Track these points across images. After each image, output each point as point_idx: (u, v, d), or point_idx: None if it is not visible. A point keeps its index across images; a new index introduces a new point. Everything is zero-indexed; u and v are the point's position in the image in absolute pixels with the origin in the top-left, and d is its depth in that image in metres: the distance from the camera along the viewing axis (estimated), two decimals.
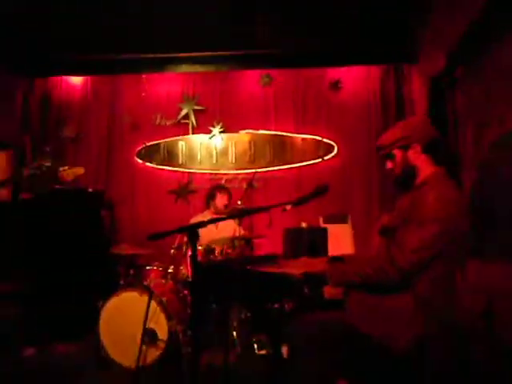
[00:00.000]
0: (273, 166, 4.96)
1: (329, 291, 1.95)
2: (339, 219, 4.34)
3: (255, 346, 3.29)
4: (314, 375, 1.68)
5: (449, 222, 1.62)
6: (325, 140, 4.90)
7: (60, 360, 3.33)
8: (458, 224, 1.65)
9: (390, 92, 4.83)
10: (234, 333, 3.30)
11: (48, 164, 2.78)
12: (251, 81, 5.09)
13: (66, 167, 3.27)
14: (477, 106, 3.00)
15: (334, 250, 3.89)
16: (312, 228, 4.11)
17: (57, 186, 3.41)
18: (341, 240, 4.24)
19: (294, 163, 4.95)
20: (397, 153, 1.81)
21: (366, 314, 1.68)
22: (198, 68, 4.99)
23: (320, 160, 4.91)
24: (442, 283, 1.65)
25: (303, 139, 4.97)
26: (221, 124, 5.00)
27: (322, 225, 4.25)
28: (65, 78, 5.21)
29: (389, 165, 1.86)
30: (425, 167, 1.79)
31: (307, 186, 4.68)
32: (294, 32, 4.42)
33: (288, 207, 2.02)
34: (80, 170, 3.17)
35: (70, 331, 3.52)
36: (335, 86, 4.93)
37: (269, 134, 4.99)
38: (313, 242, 3.91)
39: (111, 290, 3.21)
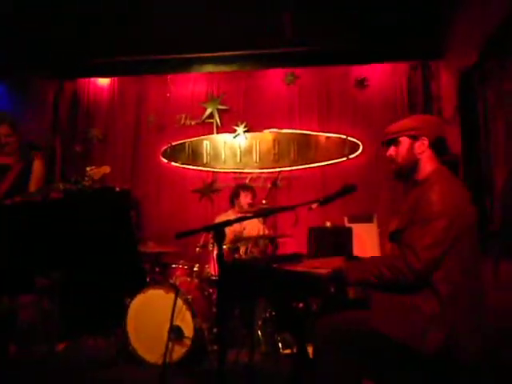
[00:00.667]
0: (297, 165, 4.93)
1: (353, 291, 1.93)
2: (364, 219, 4.29)
3: (280, 344, 3.30)
4: (339, 376, 1.66)
5: (455, 216, 1.61)
6: (350, 138, 4.84)
7: (89, 354, 3.42)
8: (465, 217, 1.64)
9: (417, 89, 4.73)
10: (259, 331, 3.32)
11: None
12: (275, 79, 5.08)
13: (93, 166, 3.34)
14: (509, 102, 2.91)
15: (359, 250, 3.85)
16: (337, 227, 4.08)
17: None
18: (366, 240, 4.19)
19: (318, 162, 4.91)
20: (403, 141, 1.81)
21: (388, 314, 1.65)
22: (223, 68, 5.02)
23: (345, 159, 4.86)
24: (460, 280, 1.62)
25: (328, 138, 4.92)
26: (245, 123, 5.01)
27: (347, 224, 4.21)
28: (92, 79, 5.33)
29: (391, 151, 1.85)
30: (427, 163, 1.79)
31: (331, 185, 4.64)
32: (320, 30, 4.38)
33: (314, 206, 2.01)
34: (106, 169, 3.23)
35: (99, 327, 3.61)
36: (361, 83, 4.86)
37: (293, 133, 4.97)
38: (337, 241, 3.88)
39: (138, 287, 3.27)
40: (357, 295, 1.88)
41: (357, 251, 3.87)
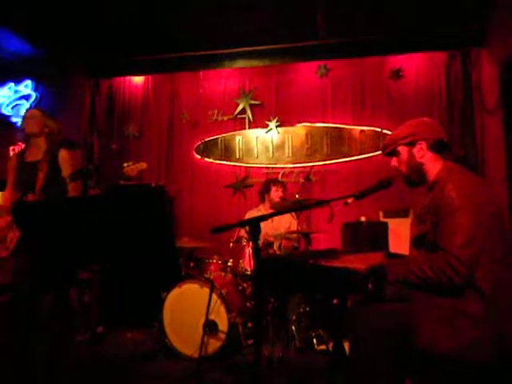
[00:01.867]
0: (330, 160, 4.87)
1: (392, 289, 1.87)
2: (400, 214, 4.19)
3: (314, 340, 3.27)
4: (378, 374, 1.63)
5: (477, 207, 1.57)
6: (385, 131, 4.72)
7: (127, 347, 3.51)
8: (487, 206, 1.60)
9: (456, 79, 4.56)
10: (293, 327, 3.30)
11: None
12: (307, 72, 5.02)
13: (130, 163, 3.40)
14: None
15: (395, 245, 3.77)
16: (372, 223, 4.00)
17: (122, 182, 3.58)
18: (402, 235, 4.09)
19: (352, 156, 4.83)
20: (402, 150, 1.82)
21: (431, 323, 1.58)
22: (254, 62, 5.01)
23: (379, 152, 4.74)
24: (499, 275, 1.55)
25: (362, 131, 4.83)
26: (277, 118, 4.99)
27: (383, 219, 4.13)
28: (127, 78, 5.44)
29: (393, 162, 1.87)
30: (432, 165, 1.78)
31: (365, 179, 4.54)
32: (353, 20, 4.30)
33: (350, 200, 1.97)
34: (143, 165, 3.28)
35: (137, 320, 3.71)
36: (396, 74, 4.73)
37: (326, 127, 4.90)
38: (373, 236, 3.81)
39: (174, 281, 3.33)
40: (395, 294, 1.83)
41: (393, 247, 3.79)
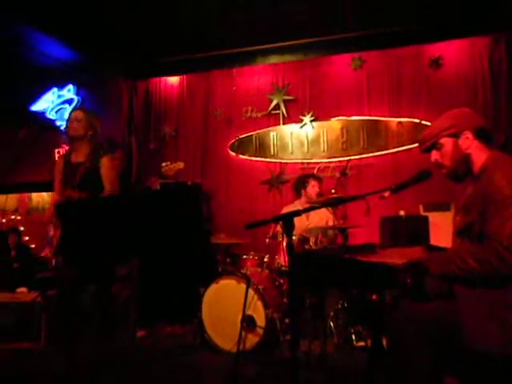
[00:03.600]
0: (367, 153, 4.77)
1: (432, 284, 1.81)
2: (441, 207, 4.06)
3: (353, 336, 3.23)
4: (417, 370, 1.59)
5: None
6: (423, 122, 4.57)
7: (167, 341, 3.61)
8: None
9: (500, 64, 4.35)
10: (331, 323, 3.28)
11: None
12: (341, 65, 4.94)
13: (168, 162, 3.47)
14: None
15: (436, 240, 3.65)
16: (411, 217, 3.90)
17: (160, 181, 3.68)
18: (443, 229, 3.96)
19: (389, 149, 4.71)
20: (445, 142, 1.72)
21: (478, 320, 1.52)
22: (287, 57, 4.99)
23: (418, 147, 4.60)
24: None
25: (399, 123, 4.70)
26: (311, 112, 4.94)
27: (423, 213, 4.01)
28: (163, 78, 5.56)
29: (434, 156, 1.76)
30: (479, 154, 1.68)
31: (404, 173, 4.41)
32: (387, 9, 4.17)
33: (386, 194, 1.92)
34: (180, 165, 3.34)
35: (176, 315, 3.80)
36: (435, 63, 4.56)
37: (362, 120, 4.81)
38: (413, 231, 3.71)
39: (210, 277, 3.38)
40: (435, 290, 1.77)
41: (434, 241, 3.67)
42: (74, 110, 3.16)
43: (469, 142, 1.69)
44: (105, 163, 2.78)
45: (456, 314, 1.57)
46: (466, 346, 1.51)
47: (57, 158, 2.95)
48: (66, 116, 3.31)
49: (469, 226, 1.63)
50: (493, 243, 1.49)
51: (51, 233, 2.71)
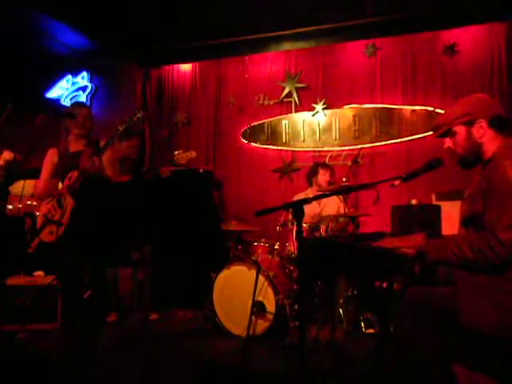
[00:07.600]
0: (379, 142, 4.73)
1: (443, 272, 1.83)
2: (454, 196, 4.01)
3: (362, 324, 3.26)
4: (425, 357, 1.61)
5: None
6: (437, 110, 4.51)
7: (179, 325, 3.68)
8: None
9: None
10: (341, 310, 3.31)
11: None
12: (355, 52, 4.88)
13: (181, 151, 3.49)
14: None
15: (448, 229, 3.63)
16: (423, 205, 3.88)
17: (172, 168, 3.72)
18: (456, 219, 3.93)
19: (402, 137, 4.66)
20: (459, 130, 1.71)
21: (476, 304, 1.53)
22: (300, 44, 4.95)
23: (431, 133, 4.55)
24: None
25: (413, 111, 4.64)
26: (324, 100, 4.91)
27: (435, 202, 3.98)
28: (176, 66, 5.57)
29: (447, 143, 1.76)
30: (491, 143, 1.66)
31: (417, 161, 4.36)
32: None
33: (397, 182, 1.92)
34: (192, 154, 3.37)
35: (188, 299, 3.87)
36: (450, 49, 4.48)
37: (374, 108, 4.76)
38: (424, 220, 3.69)
39: (222, 263, 3.43)
40: (446, 277, 1.78)
41: (446, 231, 3.65)
42: (82, 105, 3.17)
43: (482, 130, 1.67)
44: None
45: (456, 296, 1.59)
46: (465, 327, 1.53)
47: (50, 150, 2.98)
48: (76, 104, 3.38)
49: (474, 216, 1.63)
50: (488, 234, 1.50)
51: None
